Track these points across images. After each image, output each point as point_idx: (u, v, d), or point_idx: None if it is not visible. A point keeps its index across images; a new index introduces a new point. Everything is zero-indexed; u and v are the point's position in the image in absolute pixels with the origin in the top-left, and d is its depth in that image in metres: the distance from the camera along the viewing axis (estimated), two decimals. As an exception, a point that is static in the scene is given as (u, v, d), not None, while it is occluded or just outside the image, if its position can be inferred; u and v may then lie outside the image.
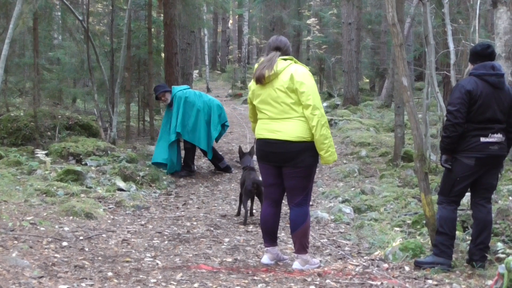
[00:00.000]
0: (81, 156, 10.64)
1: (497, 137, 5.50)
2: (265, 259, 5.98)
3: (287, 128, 5.58)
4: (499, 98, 5.54)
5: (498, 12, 8.86)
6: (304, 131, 5.57)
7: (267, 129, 5.71)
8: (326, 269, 5.73)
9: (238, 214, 8.25)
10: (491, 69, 5.56)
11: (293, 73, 5.57)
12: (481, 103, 5.45)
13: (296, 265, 5.81)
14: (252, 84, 5.87)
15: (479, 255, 5.57)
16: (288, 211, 6.11)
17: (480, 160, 5.49)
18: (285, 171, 5.71)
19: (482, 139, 5.47)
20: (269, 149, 5.72)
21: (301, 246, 5.80)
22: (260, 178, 7.98)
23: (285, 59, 5.69)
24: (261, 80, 5.67)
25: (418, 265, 5.62)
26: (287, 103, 5.59)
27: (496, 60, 9.07)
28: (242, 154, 8.70)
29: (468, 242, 5.86)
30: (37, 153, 10.28)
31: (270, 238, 5.98)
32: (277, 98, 5.63)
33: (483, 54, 5.66)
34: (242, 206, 8.08)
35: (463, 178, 5.56)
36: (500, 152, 5.57)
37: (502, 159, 5.70)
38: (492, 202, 5.88)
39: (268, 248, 5.98)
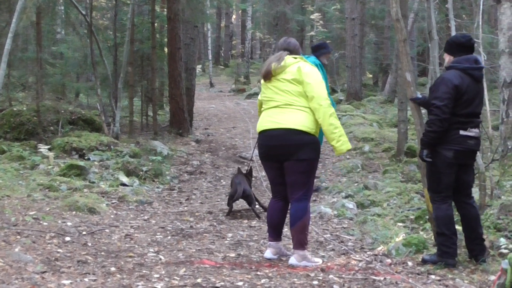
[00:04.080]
0: (84, 151, 10.64)
1: (474, 131, 5.49)
2: (268, 253, 5.96)
3: (292, 118, 5.59)
4: (481, 92, 5.58)
5: (502, 7, 8.87)
6: (309, 122, 5.59)
7: (271, 121, 5.70)
8: (329, 264, 5.72)
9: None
10: (475, 63, 5.52)
11: (301, 66, 5.65)
12: (466, 98, 5.42)
13: (292, 260, 5.73)
14: (262, 83, 5.95)
15: (478, 248, 5.56)
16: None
17: (458, 153, 5.45)
18: (286, 164, 5.67)
19: (461, 132, 5.43)
20: (272, 142, 5.68)
21: (298, 242, 5.73)
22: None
23: (294, 57, 5.77)
24: (268, 76, 5.73)
25: (424, 262, 5.60)
26: (293, 92, 5.61)
27: (500, 55, 9.11)
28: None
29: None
30: (40, 148, 10.29)
31: (275, 233, 5.96)
32: (283, 87, 5.66)
33: (467, 45, 5.58)
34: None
35: (446, 170, 5.50)
36: (476, 148, 5.59)
37: (475, 154, 5.75)
38: (496, 198, 5.85)
39: (271, 242, 5.96)
